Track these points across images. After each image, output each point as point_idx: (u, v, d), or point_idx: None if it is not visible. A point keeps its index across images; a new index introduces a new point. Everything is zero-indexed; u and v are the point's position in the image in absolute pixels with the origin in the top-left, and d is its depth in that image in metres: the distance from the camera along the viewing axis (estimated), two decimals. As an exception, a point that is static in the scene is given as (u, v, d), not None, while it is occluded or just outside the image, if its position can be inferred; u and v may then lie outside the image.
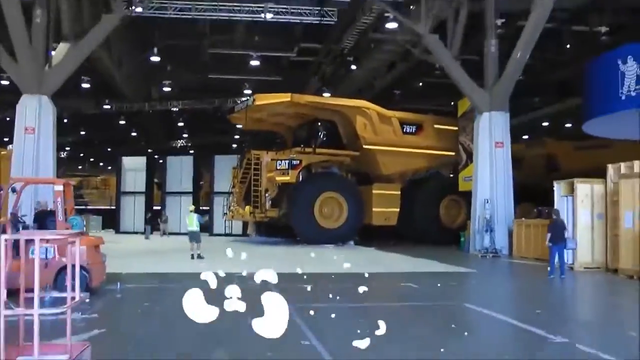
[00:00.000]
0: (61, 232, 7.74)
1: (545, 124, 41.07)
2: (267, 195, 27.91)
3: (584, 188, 17.85)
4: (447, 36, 25.17)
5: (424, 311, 10.64)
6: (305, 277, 15.06)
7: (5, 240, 4.78)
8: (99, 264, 11.62)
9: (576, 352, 7.43)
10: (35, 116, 22.46)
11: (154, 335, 8.01)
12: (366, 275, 16.66)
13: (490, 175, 24.26)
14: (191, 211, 20.96)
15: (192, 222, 20.17)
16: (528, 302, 12.90)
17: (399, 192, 30.46)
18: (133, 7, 24.01)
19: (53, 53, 23.79)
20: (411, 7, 25.60)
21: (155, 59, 32.52)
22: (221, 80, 38.72)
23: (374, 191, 29.89)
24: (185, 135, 56.29)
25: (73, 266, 5.65)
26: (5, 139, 45.34)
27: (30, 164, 22.02)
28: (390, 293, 13.93)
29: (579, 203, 17.76)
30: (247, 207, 28.55)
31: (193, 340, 7.65)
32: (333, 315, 9.93)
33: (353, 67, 32.67)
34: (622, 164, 16.77)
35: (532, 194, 28.18)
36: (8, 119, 41.54)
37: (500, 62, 24.58)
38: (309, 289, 13.04)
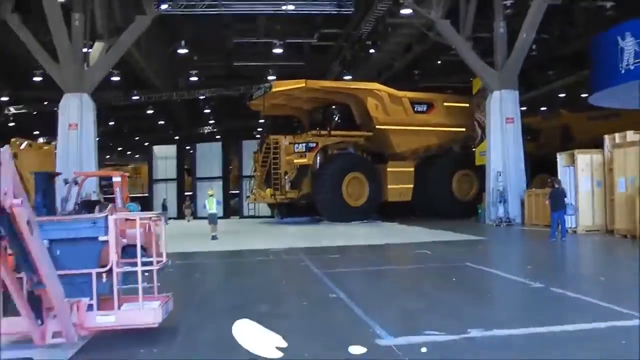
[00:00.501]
0: (147, 213, 9.47)
1: (562, 95, 41.61)
2: (286, 177, 28.98)
3: (584, 158, 19.33)
4: (459, 18, 26.38)
5: (431, 270, 12.37)
6: (335, 248, 17.00)
7: (114, 219, 6.33)
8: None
9: (547, 293, 8.99)
10: (78, 113, 24.27)
11: (212, 295, 10.03)
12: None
13: (502, 150, 25.57)
14: (211, 195, 22.11)
15: (212, 206, 21.45)
16: (524, 260, 14.57)
17: (413, 169, 31.50)
18: (165, 7, 25.48)
19: (90, 51, 25.50)
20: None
21: (182, 51, 34.05)
22: (246, 67, 40.10)
23: (388, 169, 30.87)
24: (212, 122, 57.45)
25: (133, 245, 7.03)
26: (36, 132, 47.54)
27: (75, 158, 23.86)
28: (406, 259, 15.70)
29: (579, 172, 19.26)
30: (268, 190, 29.54)
31: (242, 297, 9.56)
32: (357, 277, 11.76)
33: (372, 50, 33.71)
34: (617, 135, 18.19)
35: (549, 165, 29.09)
36: (35, 112, 43.64)
37: (511, 41, 25.60)
38: (337, 257, 14.95)
